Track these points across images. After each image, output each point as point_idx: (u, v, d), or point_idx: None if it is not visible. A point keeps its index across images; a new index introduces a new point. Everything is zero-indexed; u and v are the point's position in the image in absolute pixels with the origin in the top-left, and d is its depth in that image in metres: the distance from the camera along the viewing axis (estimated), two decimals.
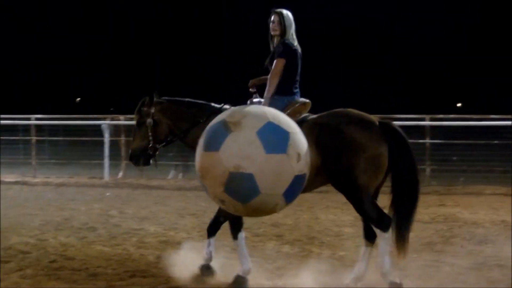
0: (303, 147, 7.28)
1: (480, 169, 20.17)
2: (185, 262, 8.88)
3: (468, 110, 27.36)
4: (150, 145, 8.52)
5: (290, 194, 7.25)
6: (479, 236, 11.33)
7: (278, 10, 8.45)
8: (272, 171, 6.99)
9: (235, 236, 8.42)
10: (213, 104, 8.68)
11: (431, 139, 19.79)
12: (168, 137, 8.69)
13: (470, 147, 20.78)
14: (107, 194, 17.52)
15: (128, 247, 10.20)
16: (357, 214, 13.58)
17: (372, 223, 7.92)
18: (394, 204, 8.01)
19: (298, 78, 8.43)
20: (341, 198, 14.77)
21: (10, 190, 18.44)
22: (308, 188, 7.95)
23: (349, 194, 8.00)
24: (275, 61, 8.23)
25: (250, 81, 8.73)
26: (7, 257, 9.56)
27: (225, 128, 7.18)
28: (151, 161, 8.67)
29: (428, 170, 19.67)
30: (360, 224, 12.51)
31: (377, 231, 7.88)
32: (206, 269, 8.56)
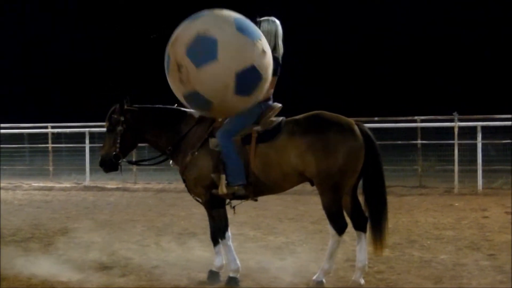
0: (266, 43, 7.78)
1: None
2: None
3: None
4: (115, 153, 8.71)
5: (242, 82, 7.52)
6: None
7: (272, 25, 8.42)
8: (236, 47, 7.48)
9: (223, 236, 8.63)
10: (181, 108, 8.81)
11: None
12: (135, 145, 9.06)
13: None
14: None
15: None
16: (458, 216, 13.41)
17: (331, 222, 8.13)
18: (366, 202, 8.31)
19: None
20: (441, 200, 14.63)
21: (112, 196, 18.89)
22: (287, 186, 8.41)
23: (325, 191, 8.09)
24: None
25: None
26: (110, 263, 9.78)
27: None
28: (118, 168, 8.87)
29: None
30: (461, 226, 12.41)
31: (333, 232, 8.12)
32: (214, 276, 8.71)
